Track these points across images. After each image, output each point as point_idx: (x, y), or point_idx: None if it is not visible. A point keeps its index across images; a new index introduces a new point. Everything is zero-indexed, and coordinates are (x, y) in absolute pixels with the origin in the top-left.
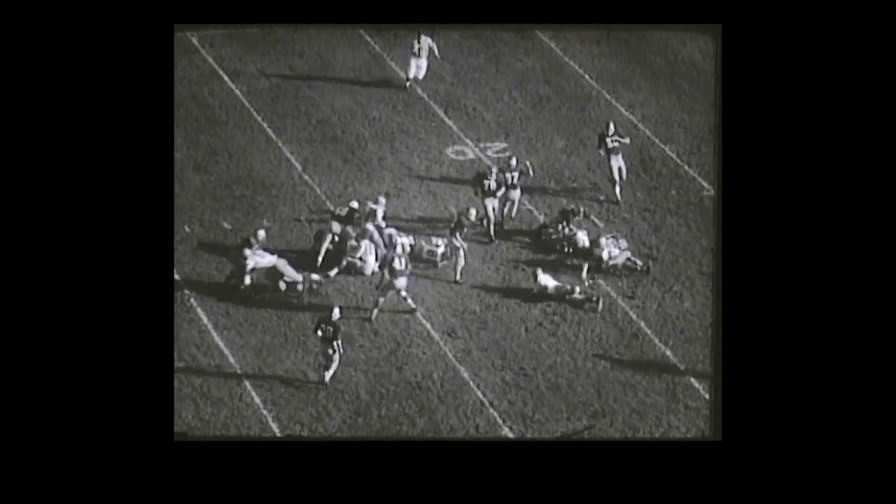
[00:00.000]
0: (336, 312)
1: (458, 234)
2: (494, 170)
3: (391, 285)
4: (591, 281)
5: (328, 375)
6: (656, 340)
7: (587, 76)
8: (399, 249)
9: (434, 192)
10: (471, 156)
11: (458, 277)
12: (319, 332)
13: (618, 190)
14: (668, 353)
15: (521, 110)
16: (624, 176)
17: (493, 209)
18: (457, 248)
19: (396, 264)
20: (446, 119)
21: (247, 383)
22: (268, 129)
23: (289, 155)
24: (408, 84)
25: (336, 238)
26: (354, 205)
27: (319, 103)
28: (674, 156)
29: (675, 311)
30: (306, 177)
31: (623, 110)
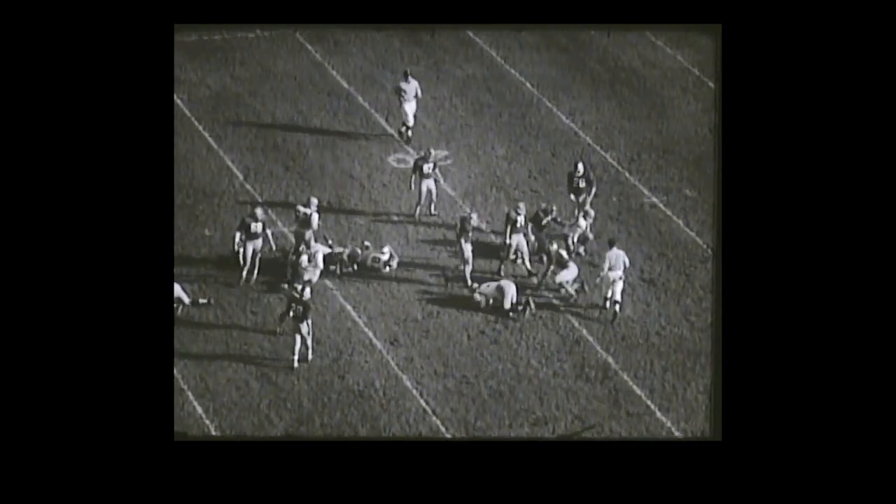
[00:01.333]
0: (307, 292)
1: (462, 239)
2: (522, 205)
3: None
4: (541, 277)
5: (296, 358)
6: (598, 347)
7: (528, 83)
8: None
9: (376, 200)
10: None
11: (469, 282)
12: (290, 313)
13: (588, 224)
14: (610, 359)
15: (461, 117)
16: (591, 214)
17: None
18: (462, 253)
19: (303, 261)
20: (387, 127)
21: (189, 393)
22: (209, 138)
23: (230, 163)
24: (409, 132)
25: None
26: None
27: (260, 111)
28: (614, 163)
29: (617, 317)
30: (248, 186)
31: (564, 117)
